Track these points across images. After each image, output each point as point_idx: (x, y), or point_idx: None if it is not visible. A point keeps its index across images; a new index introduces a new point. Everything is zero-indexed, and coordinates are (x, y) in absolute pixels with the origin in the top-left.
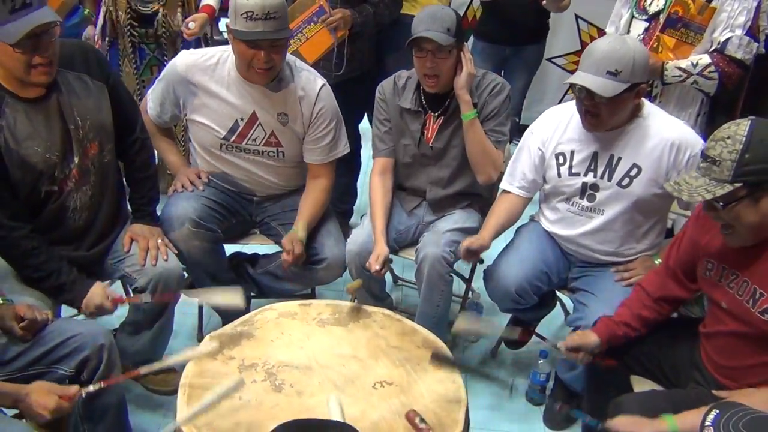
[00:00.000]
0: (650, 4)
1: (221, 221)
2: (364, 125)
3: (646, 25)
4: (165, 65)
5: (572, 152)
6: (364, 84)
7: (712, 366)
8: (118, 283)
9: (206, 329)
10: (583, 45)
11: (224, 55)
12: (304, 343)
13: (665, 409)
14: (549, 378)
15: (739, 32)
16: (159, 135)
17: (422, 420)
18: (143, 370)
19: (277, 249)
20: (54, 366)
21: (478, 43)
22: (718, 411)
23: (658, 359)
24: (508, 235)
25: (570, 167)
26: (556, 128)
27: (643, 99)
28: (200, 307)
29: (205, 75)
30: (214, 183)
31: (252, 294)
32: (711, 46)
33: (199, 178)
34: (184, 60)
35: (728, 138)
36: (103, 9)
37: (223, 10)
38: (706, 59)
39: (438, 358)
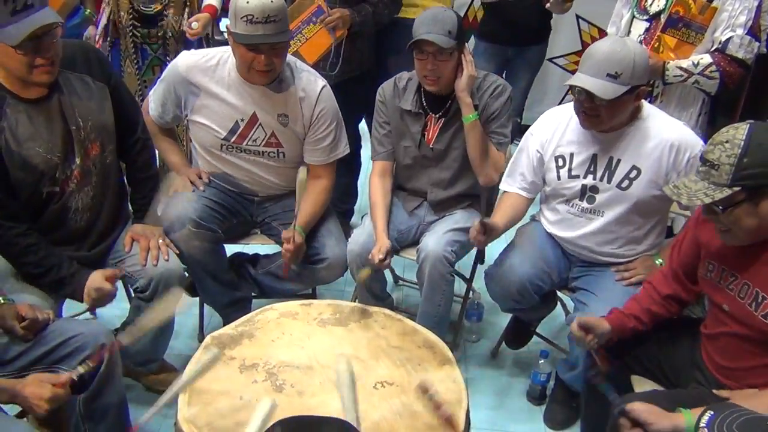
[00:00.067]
0: (651, 4)
1: (222, 221)
2: (364, 125)
3: (647, 25)
4: (167, 65)
5: (571, 155)
6: (364, 84)
7: (713, 366)
8: (119, 284)
9: (207, 329)
10: (584, 45)
11: (225, 56)
12: (305, 343)
13: (666, 409)
14: (549, 378)
15: (740, 32)
16: (160, 135)
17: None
18: (124, 340)
19: (278, 249)
20: (55, 366)
21: (480, 43)
22: (712, 412)
23: (658, 359)
24: (508, 234)
25: (569, 170)
26: (555, 130)
27: (642, 100)
28: (201, 308)
29: (206, 76)
30: (215, 183)
31: (253, 294)
32: (712, 46)
33: (200, 178)
34: (185, 61)
35: (727, 142)
36: (107, 10)
37: (225, 10)
38: (707, 59)
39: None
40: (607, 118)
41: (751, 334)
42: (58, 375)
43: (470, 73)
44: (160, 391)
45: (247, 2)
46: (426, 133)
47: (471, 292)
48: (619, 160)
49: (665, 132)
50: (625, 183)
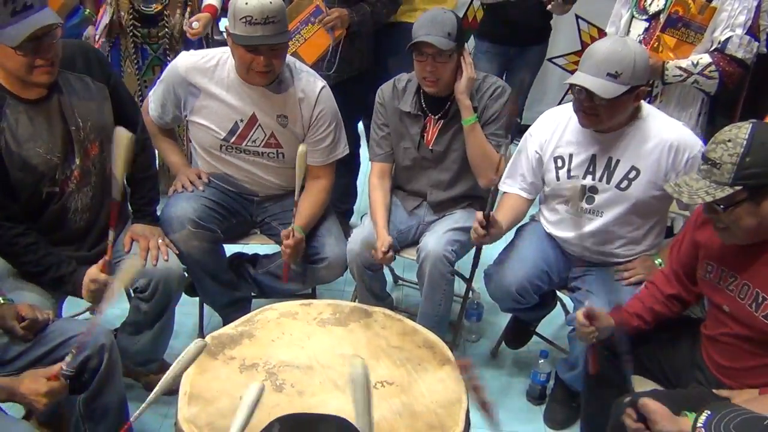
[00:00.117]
0: (650, 4)
1: (221, 221)
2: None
3: (646, 25)
4: (167, 65)
5: (570, 155)
6: (363, 84)
7: (713, 366)
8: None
9: (207, 329)
10: (584, 45)
11: (224, 57)
12: (304, 343)
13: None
14: (549, 378)
15: (739, 31)
16: (160, 135)
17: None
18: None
19: (278, 249)
20: None
21: (482, 43)
22: (710, 412)
23: (658, 359)
24: (508, 234)
25: (568, 170)
26: (554, 131)
27: (641, 101)
28: (201, 307)
29: (205, 77)
30: (215, 183)
31: (253, 294)
32: (711, 46)
33: (200, 178)
34: (184, 61)
35: (729, 141)
36: (109, 10)
37: (225, 10)
38: (706, 59)
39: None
40: (606, 117)
41: (752, 335)
42: (50, 368)
43: (469, 75)
44: None
45: (246, 3)
46: (425, 134)
47: (471, 291)
48: (618, 161)
49: (664, 132)
50: (624, 183)
